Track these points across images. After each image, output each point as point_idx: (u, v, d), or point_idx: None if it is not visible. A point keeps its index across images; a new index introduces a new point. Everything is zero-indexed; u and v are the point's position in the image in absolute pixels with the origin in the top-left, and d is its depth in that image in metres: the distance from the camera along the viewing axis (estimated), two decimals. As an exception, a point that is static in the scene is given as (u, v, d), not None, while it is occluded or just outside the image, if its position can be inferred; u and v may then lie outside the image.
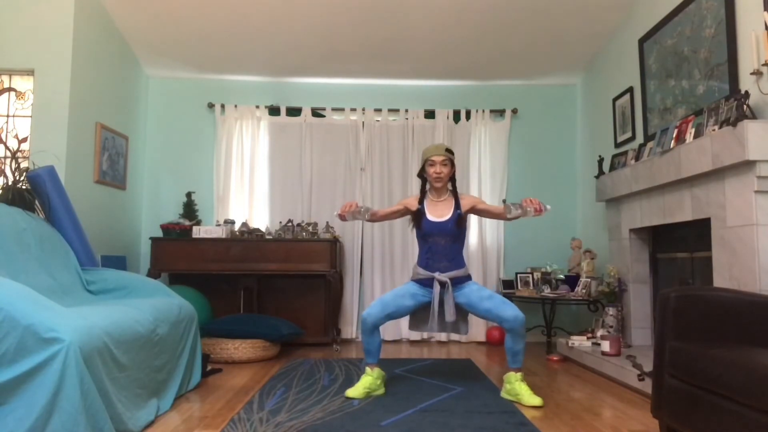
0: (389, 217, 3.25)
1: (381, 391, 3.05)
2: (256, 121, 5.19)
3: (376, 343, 3.06)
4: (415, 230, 3.21)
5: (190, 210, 4.98)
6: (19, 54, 3.89)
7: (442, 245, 3.08)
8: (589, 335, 4.13)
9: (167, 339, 2.79)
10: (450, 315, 3.01)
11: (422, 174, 3.21)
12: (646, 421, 2.54)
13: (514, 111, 5.30)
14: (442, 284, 3.03)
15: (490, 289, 3.05)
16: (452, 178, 3.18)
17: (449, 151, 3.13)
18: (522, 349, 2.98)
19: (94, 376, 2.01)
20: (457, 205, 3.10)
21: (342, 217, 3.01)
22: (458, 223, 3.07)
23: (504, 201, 2.92)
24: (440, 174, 3.09)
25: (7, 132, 3.97)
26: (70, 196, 3.49)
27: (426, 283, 3.08)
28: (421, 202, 3.17)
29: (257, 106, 5.18)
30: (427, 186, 3.21)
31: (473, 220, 5.11)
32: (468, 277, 3.12)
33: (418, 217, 3.12)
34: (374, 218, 3.15)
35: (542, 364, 3.96)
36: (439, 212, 3.10)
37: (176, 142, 5.22)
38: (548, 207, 2.86)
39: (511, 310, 2.93)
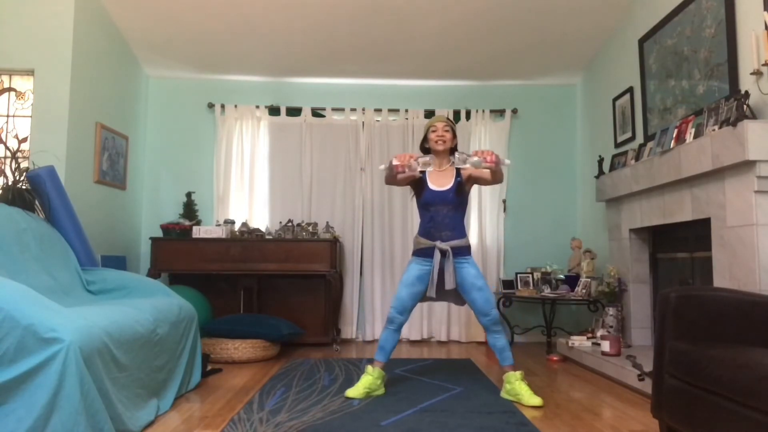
0: (397, 182, 3.17)
1: (381, 391, 3.05)
2: (256, 121, 5.19)
3: (395, 342, 3.12)
4: (415, 200, 3.24)
5: (190, 210, 4.98)
6: (19, 54, 3.89)
7: (443, 214, 3.10)
8: (589, 335, 4.13)
9: (167, 339, 2.79)
10: (450, 283, 3.03)
11: (424, 145, 3.28)
12: (646, 421, 2.54)
13: (514, 111, 5.30)
14: (443, 253, 3.05)
15: (483, 280, 3.08)
16: (454, 149, 3.22)
17: (451, 121, 3.24)
18: (505, 344, 3.04)
19: (94, 376, 2.01)
20: (458, 174, 3.14)
21: (399, 170, 2.87)
22: (459, 191, 3.11)
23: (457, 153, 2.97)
24: (443, 137, 3.14)
25: (7, 132, 3.97)
26: (70, 196, 3.49)
27: (427, 253, 3.10)
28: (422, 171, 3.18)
29: (257, 106, 5.18)
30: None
31: (474, 221, 5.12)
32: (468, 249, 3.14)
33: (420, 185, 3.15)
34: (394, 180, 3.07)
35: (542, 364, 3.96)
36: (440, 181, 3.13)
37: (176, 142, 5.22)
38: (507, 161, 2.99)
39: (493, 309, 3.04)
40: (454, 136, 3.21)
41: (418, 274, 3.11)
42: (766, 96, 2.71)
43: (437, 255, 3.05)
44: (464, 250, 3.11)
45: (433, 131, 3.17)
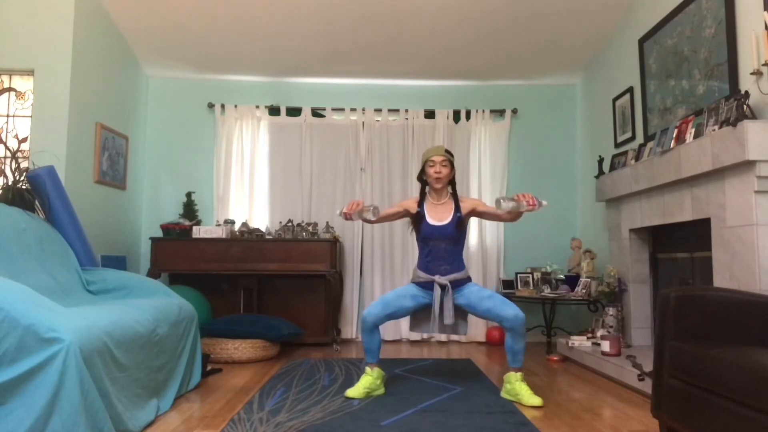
0: (388, 219, 3.24)
1: (381, 391, 3.05)
2: (256, 121, 5.19)
3: (377, 342, 3.06)
4: (414, 233, 3.21)
5: (190, 210, 4.98)
6: (19, 54, 3.89)
7: (442, 248, 3.08)
8: (589, 335, 4.13)
9: (167, 339, 2.79)
10: (449, 318, 3.01)
11: (422, 177, 3.21)
12: (646, 421, 2.54)
13: (514, 111, 5.30)
14: (442, 287, 3.04)
15: (489, 290, 3.05)
16: (452, 181, 3.19)
17: (449, 152, 3.14)
18: (522, 348, 2.98)
19: (94, 376, 2.01)
20: (457, 208, 3.10)
21: (347, 216, 2.93)
22: (458, 226, 3.07)
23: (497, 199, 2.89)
24: (440, 174, 3.09)
25: (7, 132, 3.98)
26: (70, 196, 3.49)
27: (426, 286, 3.09)
28: (420, 204, 3.16)
29: (257, 106, 5.18)
30: (427, 189, 3.21)
31: (474, 221, 5.11)
32: (468, 279, 3.13)
33: (417, 220, 3.12)
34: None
35: (542, 364, 3.96)
36: (439, 215, 3.10)
37: (176, 142, 5.22)
38: (544, 203, 2.81)
39: (511, 310, 2.94)
40: (453, 167, 3.15)
41: (413, 293, 3.09)
42: (766, 96, 2.71)
43: (437, 290, 3.03)
44: (463, 282, 3.09)
45: (431, 166, 3.10)
